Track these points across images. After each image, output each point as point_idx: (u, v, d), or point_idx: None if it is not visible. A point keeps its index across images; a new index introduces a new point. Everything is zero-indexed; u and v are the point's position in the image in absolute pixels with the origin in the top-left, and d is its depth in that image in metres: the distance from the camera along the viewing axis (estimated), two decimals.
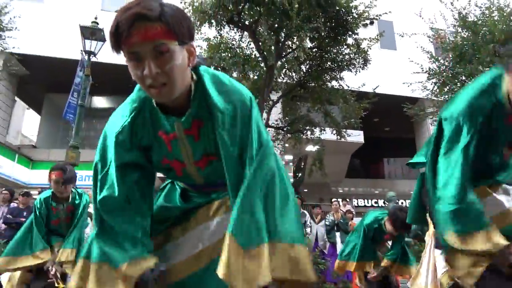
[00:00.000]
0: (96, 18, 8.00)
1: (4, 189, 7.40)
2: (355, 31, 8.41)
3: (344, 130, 10.04)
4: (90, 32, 7.72)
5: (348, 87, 9.55)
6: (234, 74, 9.66)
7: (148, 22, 1.00)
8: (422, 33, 9.97)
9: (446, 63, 9.62)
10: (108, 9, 13.82)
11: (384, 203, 13.08)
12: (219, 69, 9.05)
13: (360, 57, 8.93)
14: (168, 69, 1.04)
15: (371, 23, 10.96)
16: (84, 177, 13.09)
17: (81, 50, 7.68)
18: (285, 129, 10.22)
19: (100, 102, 16.40)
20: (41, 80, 13.98)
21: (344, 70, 9.16)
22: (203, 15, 8.40)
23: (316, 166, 10.11)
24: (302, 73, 9.34)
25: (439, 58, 9.80)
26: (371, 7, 8.40)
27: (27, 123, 21.45)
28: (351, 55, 9.03)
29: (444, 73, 9.54)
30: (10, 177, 13.23)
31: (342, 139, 10.10)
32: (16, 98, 15.08)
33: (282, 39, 8.63)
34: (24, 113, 21.52)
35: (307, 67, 9.33)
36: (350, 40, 8.75)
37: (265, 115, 9.43)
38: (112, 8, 14.07)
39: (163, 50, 1.02)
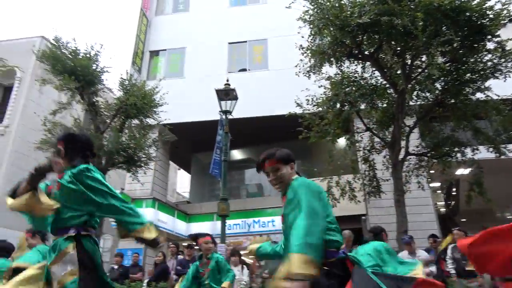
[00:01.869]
0: (227, 81, 8.87)
1: (171, 243, 8.39)
2: (495, 34, 7.43)
3: (504, 145, 8.65)
4: (224, 94, 8.57)
5: (498, 96, 8.34)
6: (362, 106, 9.41)
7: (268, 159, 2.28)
8: None
9: None
10: (233, 70, 15.29)
11: None
12: (346, 104, 8.95)
13: (508, 61, 7.78)
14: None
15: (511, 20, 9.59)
16: (232, 226, 14.09)
17: (219, 111, 8.53)
18: (428, 154, 9.33)
19: (236, 154, 17.73)
20: (187, 142, 15.94)
21: (489, 78, 8.07)
22: (322, 56, 8.55)
23: (475, 191, 8.83)
24: (437, 91, 8.56)
25: None
26: (510, 3, 7.37)
27: (180, 182, 24.42)
28: (494, 60, 7.96)
29: None
30: (172, 231, 15.03)
31: (503, 156, 8.68)
32: (170, 162, 17.39)
33: (409, 61, 8.15)
34: (177, 173, 24.65)
35: (442, 84, 8.53)
36: (490, 45, 7.75)
37: (403, 143, 8.81)
38: (236, 69, 15.56)
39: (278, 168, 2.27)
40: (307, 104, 9.45)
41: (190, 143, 16.42)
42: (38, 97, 15.14)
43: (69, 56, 10.25)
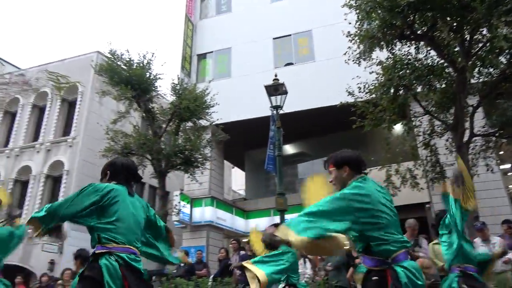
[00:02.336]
0: (276, 76, 8.87)
1: (233, 239, 8.58)
2: None
3: None
4: (273, 89, 8.58)
5: None
6: (419, 89, 8.97)
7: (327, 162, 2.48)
8: None
9: None
10: (279, 65, 15.25)
11: None
12: (401, 88, 8.58)
13: None
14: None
15: None
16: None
17: (270, 107, 8.56)
18: (496, 134, 8.68)
19: (288, 149, 17.69)
20: (240, 141, 16.17)
21: None
22: (371, 41, 8.26)
23: None
24: (502, 65, 7.92)
25: None
26: None
27: (234, 179, 24.86)
28: None
29: None
30: (232, 228, 15.36)
31: None
32: (224, 161, 17.76)
33: (468, 36, 7.62)
34: (231, 172, 25.12)
35: (508, 57, 7.87)
36: None
37: (466, 124, 8.27)
38: (282, 64, 15.50)
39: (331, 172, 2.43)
40: (359, 92, 9.18)
41: (242, 141, 16.64)
42: (98, 108, 16.15)
43: (124, 67, 10.82)
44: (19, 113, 17.26)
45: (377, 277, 2.05)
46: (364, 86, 9.11)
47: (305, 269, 7.48)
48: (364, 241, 2.13)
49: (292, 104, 10.40)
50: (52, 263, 10.06)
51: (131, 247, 2.48)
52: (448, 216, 3.59)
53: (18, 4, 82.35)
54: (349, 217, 2.08)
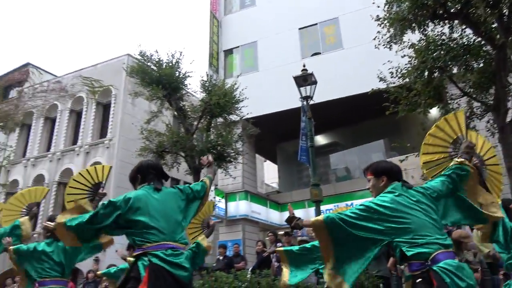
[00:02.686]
0: (304, 66, 8.77)
1: (269, 232, 8.62)
2: None
3: None
4: (303, 79, 8.49)
5: None
6: (455, 70, 8.60)
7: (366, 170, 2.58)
8: None
9: None
10: (306, 55, 15.06)
11: None
12: (435, 70, 8.26)
13: None
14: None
15: None
16: (325, 211, 13.96)
17: (299, 98, 8.48)
18: None
19: (320, 139, 17.50)
20: (271, 134, 16.17)
21: None
22: (402, 23, 8.00)
23: None
24: None
25: None
26: None
27: (267, 173, 24.90)
28: None
29: None
30: (267, 221, 15.43)
31: None
32: (256, 155, 17.83)
33: (506, 11, 7.21)
34: (263, 166, 25.19)
35: None
36: None
37: (509, 104, 7.86)
38: (309, 54, 15.29)
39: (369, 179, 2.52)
40: (391, 77, 8.92)
41: (273, 134, 16.63)
42: (132, 109, 16.61)
43: (154, 67, 11.05)
44: (58, 119, 18.04)
45: (420, 278, 2.07)
46: (397, 70, 8.84)
47: None
48: (397, 247, 2.18)
49: (322, 93, 10.25)
50: (96, 260, 10.50)
51: (167, 242, 2.57)
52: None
53: (50, 13, 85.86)
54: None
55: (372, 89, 9.10)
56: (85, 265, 13.64)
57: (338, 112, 14.18)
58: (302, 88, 8.56)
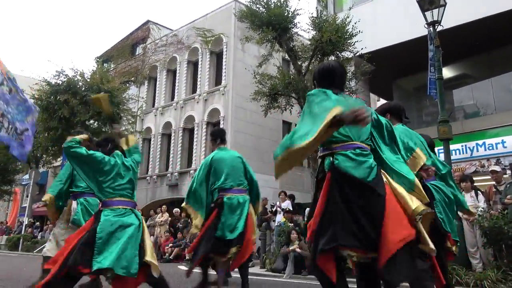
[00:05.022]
0: None
1: None
2: None
3: None
4: (428, 2, 7.45)
5: None
6: None
7: None
8: None
9: None
10: None
11: None
12: None
13: None
14: None
15: None
16: (451, 151, 12.77)
17: (425, 24, 7.53)
18: None
19: (448, 71, 15.62)
20: (386, 70, 14.98)
21: None
22: None
23: None
24: None
25: None
26: None
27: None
28: None
29: None
30: None
31: None
32: (370, 93, 16.89)
33: None
34: (376, 105, 23.89)
35: None
36: None
37: None
38: None
39: None
40: None
41: (389, 70, 15.40)
42: (242, 56, 16.99)
43: (263, 9, 10.91)
44: (178, 70, 19.51)
45: None
46: None
47: (477, 202, 6.80)
48: None
49: (448, 18, 8.93)
50: None
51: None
52: None
53: None
54: None
55: None
56: None
57: (468, 39, 12.31)
58: (427, 13, 7.53)
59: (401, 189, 2.13)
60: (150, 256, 2.75)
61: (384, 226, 1.96)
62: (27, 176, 22.19)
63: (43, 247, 4.43)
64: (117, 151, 3.00)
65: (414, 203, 2.07)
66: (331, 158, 2.15)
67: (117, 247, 2.62)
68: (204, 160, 4.38)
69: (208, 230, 3.90)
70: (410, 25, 10.30)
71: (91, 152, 2.80)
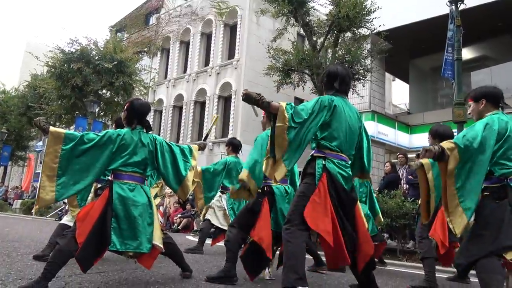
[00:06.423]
0: None
1: (400, 153, 8.21)
2: None
3: None
4: None
5: None
6: None
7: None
8: None
9: None
10: None
11: None
12: None
13: None
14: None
15: None
16: None
17: (447, 2, 7.26)
18: None
19: (467, 52, 15.18)
20: (403, 49, 14.61)
21: None
22: None
23: None
24: None
25: None
26: None
27: (395, 93, 23.22)
28: None
29: None
30: (394, 143, 14.74)
31: None
32: (385, 73, 16.55)
33: None
34: (391, 85, 23.46)
35: None
36: None
37: None
38: None
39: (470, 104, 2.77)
40: None
41: (406, 49, 15.03)
42: (257, 29, 16.70)
43: None
44: (192, 42, 19.31)
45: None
46: None
47: None
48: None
49: None
50: None
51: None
52: None
53: None
54: None
55: None
56: None
57: (489, 19, 11.88)
58: None
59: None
60: (157, 238, 2.83)
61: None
62: (40, 143, 22.63)
63: (56, 212, 4.51)
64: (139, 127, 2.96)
65: None
66: (323, 161, 2.64)
67: (138, 226, 2.72)
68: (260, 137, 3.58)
69: None
70: (431, 3, 9.95)
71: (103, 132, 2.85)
